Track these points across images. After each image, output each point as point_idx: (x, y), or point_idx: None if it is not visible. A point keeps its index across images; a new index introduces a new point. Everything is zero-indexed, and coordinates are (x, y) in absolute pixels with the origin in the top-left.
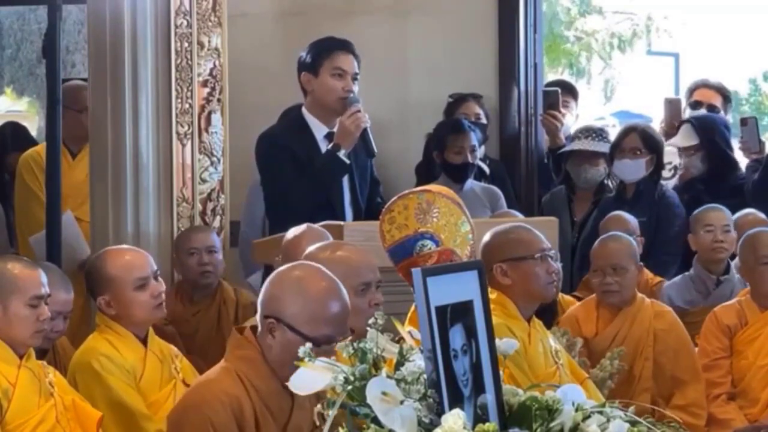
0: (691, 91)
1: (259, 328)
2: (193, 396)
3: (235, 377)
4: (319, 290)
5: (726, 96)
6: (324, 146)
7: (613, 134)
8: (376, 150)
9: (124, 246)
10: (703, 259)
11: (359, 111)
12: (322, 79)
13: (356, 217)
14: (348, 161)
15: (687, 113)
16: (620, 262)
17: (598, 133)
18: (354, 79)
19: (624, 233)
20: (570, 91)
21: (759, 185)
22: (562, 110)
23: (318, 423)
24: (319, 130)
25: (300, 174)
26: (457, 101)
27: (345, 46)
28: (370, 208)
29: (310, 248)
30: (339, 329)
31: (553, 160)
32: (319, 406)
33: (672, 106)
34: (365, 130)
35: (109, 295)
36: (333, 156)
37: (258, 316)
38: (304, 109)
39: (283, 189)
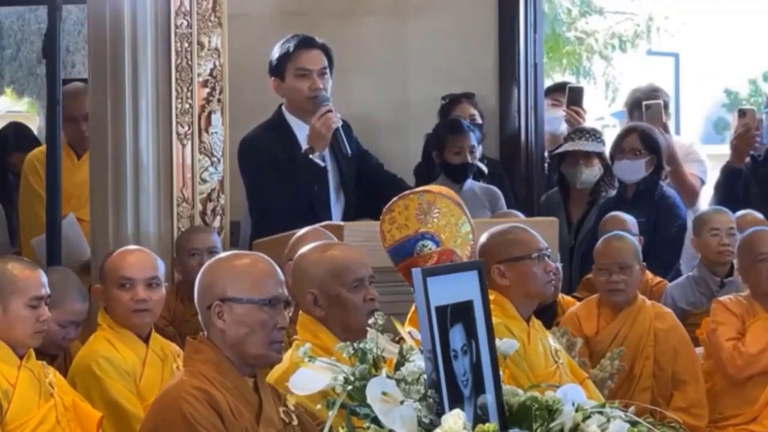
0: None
1: (205, 327)
2: (163, 400)
3: (200, 377)
4: (247, 262)
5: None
6: (306, 145)
7: (613, 134)
8: (350, 150)
9: (137, 247)
10: (707, 261)
11: (330, 111)
12: (288, 82)
13: (346, 214)
14: (323, 164)
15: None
16: (626, 260)
17: (592, 134)
18: (322, 74)
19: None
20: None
21: (719, 192)
22: (564, 110)
23: (287, 420)
24: (301, 129)
25: (281, 177)
26: (451, 102)
27: (306, 43)
28: (370, 177)
29: (302, 249)
30: (281, 288)
31: (550, 163)
32: (282, 408)
33: (651, 110)
34: (337, 129)
35: (102, 285)
36: (307, 160)
37: (200, 316)
38: (284, 109)
39: (265, 193)
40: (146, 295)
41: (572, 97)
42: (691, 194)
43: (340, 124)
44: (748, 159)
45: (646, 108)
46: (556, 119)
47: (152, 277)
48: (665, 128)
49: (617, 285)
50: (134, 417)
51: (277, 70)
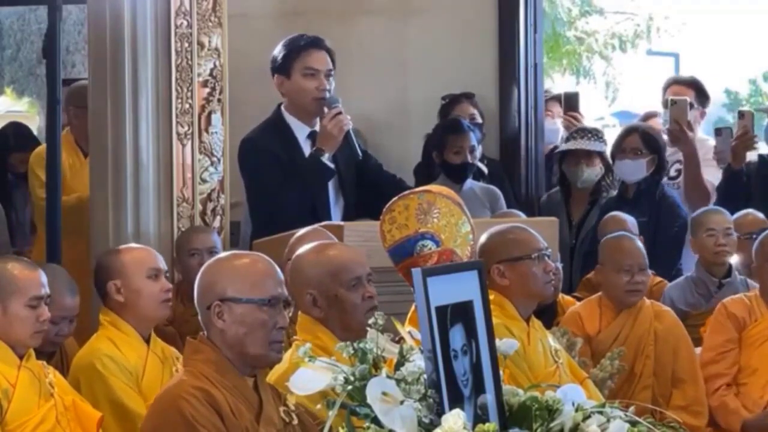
0: (665, 90)
1: (205, 327)
2: (163, 400)
3: (200, 377)
4: (246, 262)
5: (700, 89)
6: (307, 147)
7: (613, 134)
8: (361, 153)
9: (135, 245)
10: (705, 262)
11: (340, 112)
12: (294, 80)
13: (346, 215)
14: (332, 165)
15: (663, 113)
16: (646, 261)
17: (594, 133)
18: (328, 76)
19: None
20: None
21: (723, 190)
22: (563, 116)
23: (287, 420)
24: (300, 130)
25: (283, 177)
26: (451, 102)
27: (315, 43)
28: (370, 177)
29: (299, 250)
30: (280, 288)
31: (549, 163)
32: (283, 407)
33: (677, 106)
34: (348, 131)
35: (120, 280)
36: (317, 161)
37: (200, 316)
38: (283, 109)
39: (267, 193)
40: (168, 285)
41: (568, 103)
42: (704, 200)
43: (351, 125)
44: (756, 158)
45: (671, 103)
46: (553, 131)
47: (165, 269)
48: (689, 126)
49: (638, 286)
50: (138, 415)
51: (283, 67)
